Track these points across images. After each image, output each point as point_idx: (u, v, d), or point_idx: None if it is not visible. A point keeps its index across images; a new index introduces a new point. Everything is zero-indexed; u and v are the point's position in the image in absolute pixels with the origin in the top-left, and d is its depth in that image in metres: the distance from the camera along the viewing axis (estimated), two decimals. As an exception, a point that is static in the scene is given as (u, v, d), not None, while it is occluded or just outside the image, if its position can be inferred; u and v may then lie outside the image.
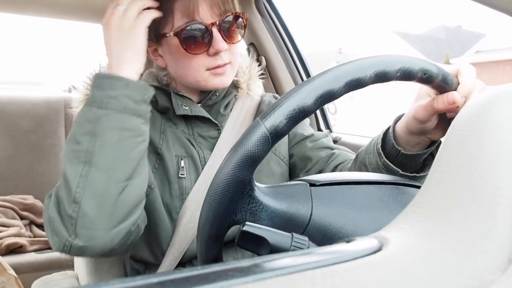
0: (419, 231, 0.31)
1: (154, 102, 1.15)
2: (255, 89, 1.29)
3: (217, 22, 1.04)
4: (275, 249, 0.57)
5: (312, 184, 0.66)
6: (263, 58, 2.06)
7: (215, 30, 1.03)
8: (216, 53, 1.05)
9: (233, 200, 0.61)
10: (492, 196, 0.30)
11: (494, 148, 0.33)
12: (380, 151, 0.93)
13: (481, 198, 0.30)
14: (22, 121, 2.34)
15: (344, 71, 0.62)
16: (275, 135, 0.58)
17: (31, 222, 2.28)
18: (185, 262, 1.09)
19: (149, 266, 1.11)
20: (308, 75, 2.09)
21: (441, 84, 0.75)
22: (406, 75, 0.68)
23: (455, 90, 0.79)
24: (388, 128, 0.95)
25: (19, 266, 1.86)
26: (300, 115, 0.59)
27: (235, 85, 1.24)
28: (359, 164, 1.00)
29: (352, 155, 1.12)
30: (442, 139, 0.92)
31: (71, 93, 2.64)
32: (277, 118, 0.58)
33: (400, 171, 0.91)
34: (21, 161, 2.32)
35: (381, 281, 0.27)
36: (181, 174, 1.08)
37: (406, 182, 0.72)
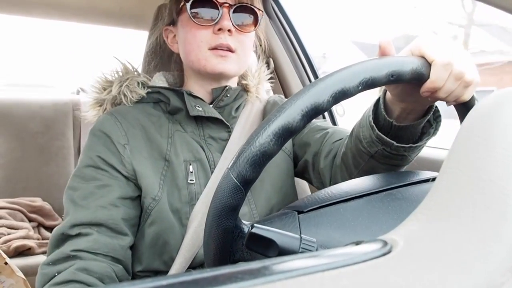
0: (429, 233, 0.31)
1: (164, 104, 1.16)
2: (263, 93, 1.30)
3: (229, 5, 1.10)
4: (283, 251, 0.57)
5: (300, 212, 0.67)
6: (271, 60, 2.06)
7: (225, 10, 1.09)
8: (220, 29, 1.09)
9: (226, 246, 0.62)
10: (501, 197, 0.30)
11: (503, 149, 0.33)
12: (372, 123, 0.90)
13: (491, 199, 0.30)
14: (30, 123, 2.35)
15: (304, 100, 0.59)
16: (245, 182, 0.58)
17: (39, 225, 2.29)
18: (196, 266, 1.08)
19: (158, 273, 1.11)
20: (316, 76, 2.09)
21: (413, 81, 0.72)
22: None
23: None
24: (379, 99, 0.92)
25: (28, 268, 1.87)
26: (263, 158, 0.58)
27: (244, 89, 1.25)
28: (354, 139, 0.97)
29: (349, 131, 1.09)
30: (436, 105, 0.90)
31: (79, 95, 2.65)
32: (241, 166, 0.58)
33: (395, 143, 0.88)
34: (29, 163, 2.33)
35: (391, 283, 0.27)
36: (190, 180, 1.08)
37: (401, 184, 0.72)
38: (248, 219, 1.10)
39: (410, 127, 0.88)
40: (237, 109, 1.22)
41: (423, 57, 0.73)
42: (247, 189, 0.59)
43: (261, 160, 0.57)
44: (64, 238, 0.98)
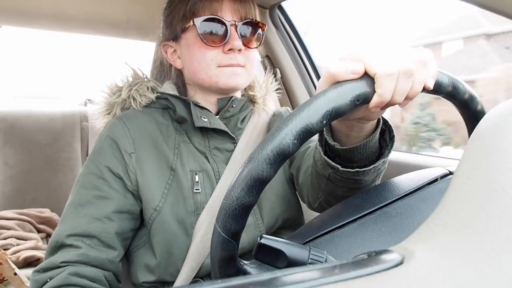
0: (441, 243, 0.31)
1: (172, 111, 1.16)
2: (271, 104, 1.30)
3: (236, 22, 1.09)
4: (292, 262, 0.57)
5: None
6: (278, 71, 2.06)
7: (233, 29, 1.09)
8: (231, 50, 1.09)
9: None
10: (515, 208, 0.30)
11: (515, 159, 0.32)
12: (319, 146, 0.85)
13: (504, 210, 0.30)
14: (38, 135, 2.36)
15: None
16: (233, 234, 0.60)
17: (48, 236, 2.29)
18: (202, 276, 1.08)
19: (166, 284, 1.11)
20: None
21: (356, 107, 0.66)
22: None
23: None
24: None
25: (36, 279, 1.87)
26: (243, 211, 0.58)
27: (251, 100, 1.25)
28: (313, 160, 0.94)
29: None
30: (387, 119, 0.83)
31: (86, 107, 2.65)
32: (225, 220, 0.59)
33: (340, 168, 0.82)
34: (38, 175, 2.34)
35: (404, 295, 0.27)
36: (196, 189, 1.08)
37: (394, 199, 0.71)
38: (253, 230, 1.10)
39: (357, 149, 0.82)
40: (242, 120, 1.22)
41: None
42: (237, 238, 0.61)
43: (240, 212, 0.58)
44: (58, 246, 0.99)
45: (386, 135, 0.85)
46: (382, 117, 0.82)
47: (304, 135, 0.57)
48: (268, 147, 0.56)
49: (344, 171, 0.83)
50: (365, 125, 0.77)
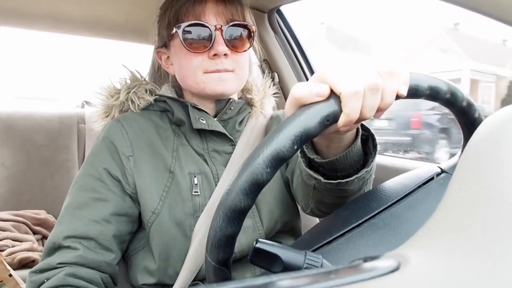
0: (438, 249, 0.31)
1: (170, 113, 1.16)
2: (269, 108, 1.29)
3: (221, 26, 1.07)
4: (288, 267, 0.57)
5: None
6: (276, 75, 2.06)
7: (217, 33, 1.06)
8: (216, 55, 1.07)
9: None
10: (511, 214, 0.30)
11: (512, 166, 0.32)
12: (300, 158, 0.86)
13: (501, 216, 0.30)
14: (35, 136, 2.35)
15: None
16: (222, 263, 0.61)
17: (44, 237, 2.28)
18: (201, 279, 1.08)
19: (165, 287, 1.10)
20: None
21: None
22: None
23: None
24: None
25: (31, 281, 1.86)
26: (228, 241, 0.59)
27: (249, 103, 1.25)
28: (299, 170, 0.94)
29: None
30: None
31: (84, 109, 2.65)
32: (213, 250, 0.60)
33: (322, 179, 0.83)
34: (34, 176, 2.33)
35: (399, 301, 0.27)
36: (194, 192, 1.08)
37: (382, 209, 0.71)
38: (252, 233, 1.09)
39: (338, 161, 0.80)
40: (240, 122, 1.21)
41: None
42: (228, 265, 0.62)
43: (226, 242, 0.59)
44: (55, 248, 0.99)
45: (370, 143, 0.84)
46: (363, 124, 0.81)
47: (277, 163, 0.56)
48: (242, 177, 0.56)
49: (326, 183, 0.83)
50: (343, 136, 0.76)
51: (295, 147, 0.56)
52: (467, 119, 0.76)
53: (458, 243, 0.30)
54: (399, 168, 1.63)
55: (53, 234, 1.00)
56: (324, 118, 0.58)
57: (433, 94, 0.68)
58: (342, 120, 0.60)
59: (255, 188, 0.56)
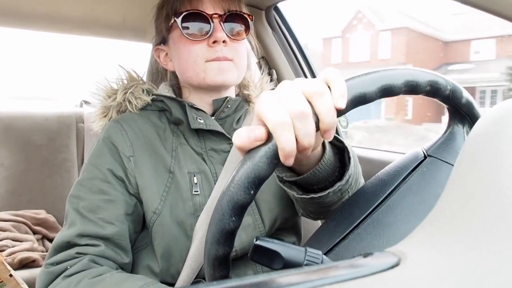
0: (437, 245, 0.31)
1: (168, 113, 1.16)
2: None
3: (219, 14, 1.09)
4: (288, 264, 0.57)
5: None
6: (274, 72, 2.06)
7: (216, 21, 1.09)
8: (215, 42, 1.09)
9: None
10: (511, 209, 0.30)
11: (511, 160, 0.32)
12: (276, 173, 0.84)
13: (501, 211, 0.30)
14: (34, 136, 2.35)
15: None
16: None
17: (44, 237, 2.28)
18: (203, 277, 1.08)
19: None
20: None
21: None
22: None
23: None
24: None
25: (32, 280, 1.85)
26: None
27: (246, 100, 1.25)
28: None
29: None
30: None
31: (82, 108, 2.65)
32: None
33: (295, 194, 0.83)
34: (33, 176, 2.33)
35: (400, 296, 0.27)
36: (194, 191, 1.08)
37: (373, 207, 0.71)
38: (252, 230, 1.10)
39: (307, 178, 0.80)
40: (238, 120, 1.21)
41: None
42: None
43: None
44: (70, 246, 0.99)
45: (345, 155, 0.83)
46: (336, 136, 0.77)
47: (239, 210, 0.57)
48: (212, 227, 0.58)
49: (299, 198, 0.83)
50: (310, 154, 0.74)
51: (252, 192, 0.56)
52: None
53: (457, 239, 0.30)
54: (385, 161, 1.63)
55: (65, 234, 1.00)
56: (271, 159, 0.56)
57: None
58: (280, 154, 0.56)
59: (224, 235, 0.58)
